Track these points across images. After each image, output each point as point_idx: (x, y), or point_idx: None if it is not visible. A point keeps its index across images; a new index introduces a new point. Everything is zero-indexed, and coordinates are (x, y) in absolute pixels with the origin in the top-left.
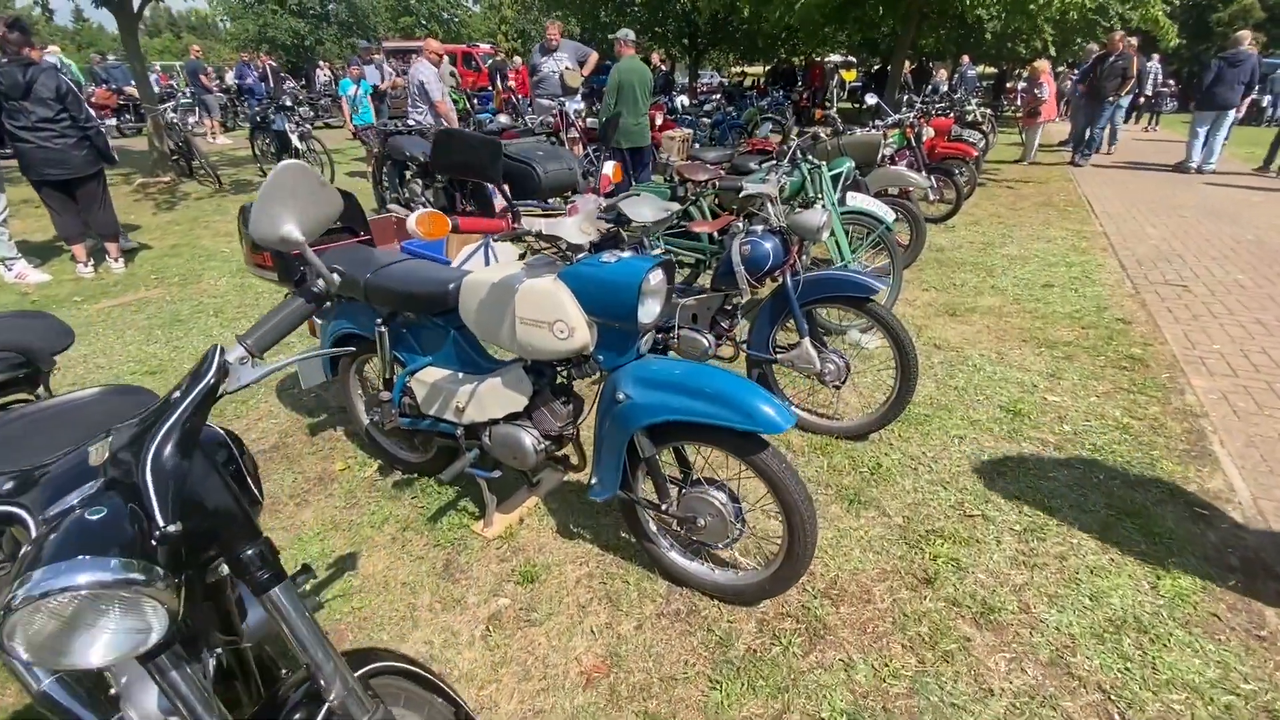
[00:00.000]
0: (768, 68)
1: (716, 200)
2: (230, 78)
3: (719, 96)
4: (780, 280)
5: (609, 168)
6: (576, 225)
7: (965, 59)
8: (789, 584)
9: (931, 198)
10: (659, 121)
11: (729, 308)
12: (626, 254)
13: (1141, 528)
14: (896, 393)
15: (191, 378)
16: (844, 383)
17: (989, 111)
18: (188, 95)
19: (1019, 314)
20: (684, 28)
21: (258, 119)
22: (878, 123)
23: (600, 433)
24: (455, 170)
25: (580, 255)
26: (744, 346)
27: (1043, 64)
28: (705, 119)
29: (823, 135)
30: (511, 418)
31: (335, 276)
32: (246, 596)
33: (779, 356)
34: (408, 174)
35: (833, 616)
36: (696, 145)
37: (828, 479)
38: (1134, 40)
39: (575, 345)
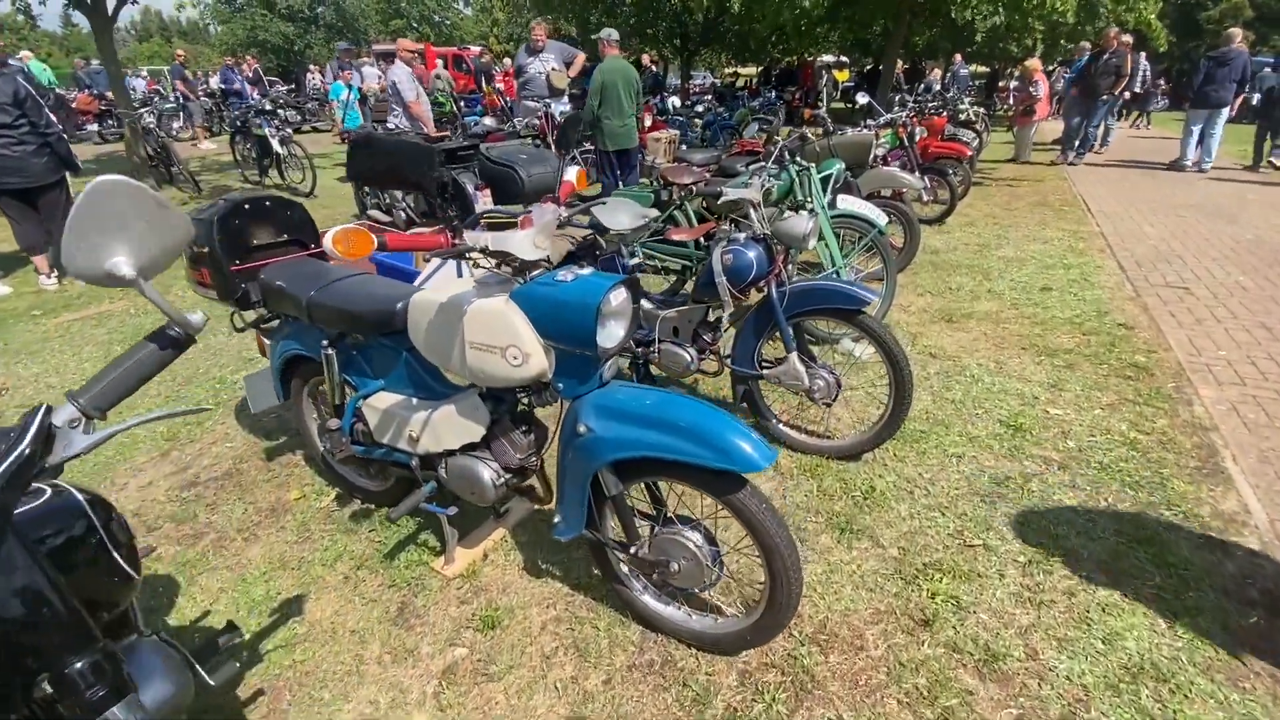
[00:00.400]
0: (760, 68)
1: (704, 205)
2: (215, 82)
3: (710, 97)
4: (765, 291)
5: (571, 173)
6: (529, 239)
7: (958, 58)
8: (772, 635)
9: (925, 199)
10: (648, 123)
11: (712, 320)
12: (586, 271)
13: (1154, 557)
14: (890, 410)
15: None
16: (835, 400)
17: (982, 110)
18: (172, 100)
19: (1017, 319)
20: (675, 28)
21: (238, 123)
22: (869, 123)
23: (563, 467)
24: (377, 180)
25: (535, 272)
26: (728, 361)
27: (1034, 62)
28: (697, 120)
29: (811, 136)
30: (469, 448)
31: (198, 317)
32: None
33: (765, 372)
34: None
35: (821, 667)
36: (683, 147)
37: (818, 504)
38: (1128, 38)
39: (530, 373)
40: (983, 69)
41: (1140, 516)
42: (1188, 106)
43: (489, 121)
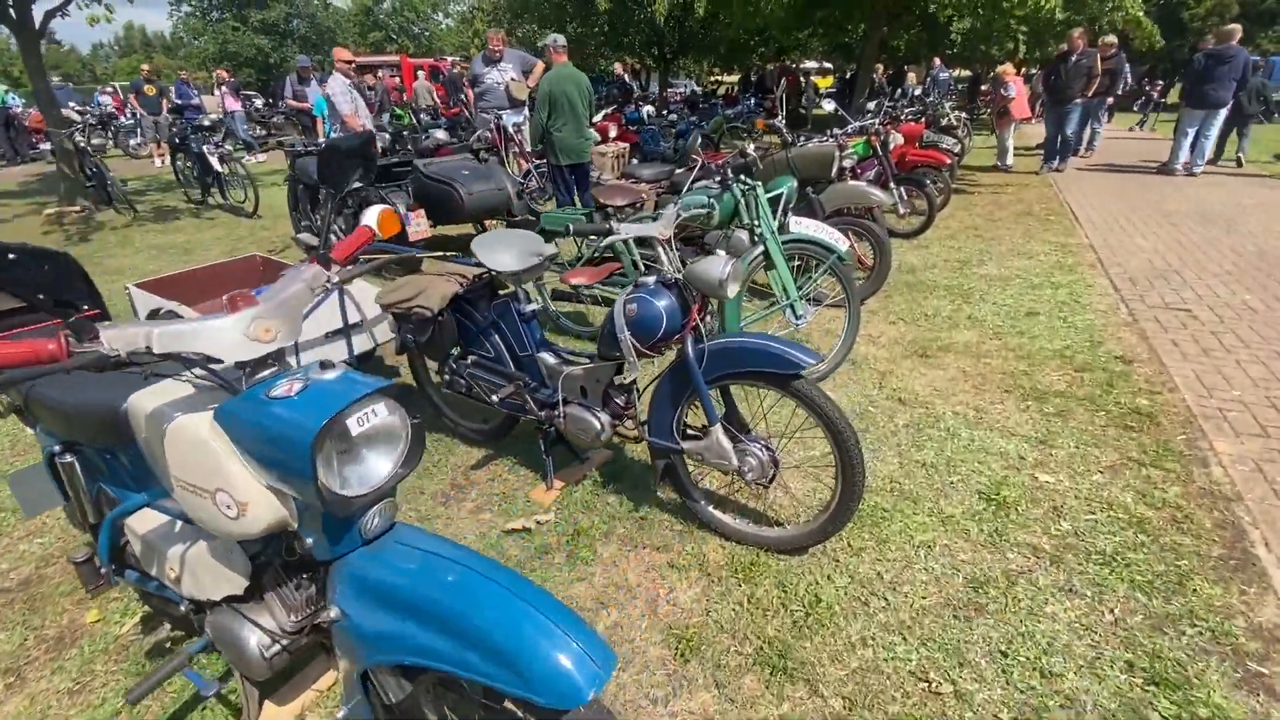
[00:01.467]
0: (739, 75)
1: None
2: (173, 97)
3: (684, 105)
4: (681, 348)
5: (371, 217)
6: (238, 330)
7: (936, 61)
8: None
9: (902, 211)
10: (612, 133)
11: (624, 381)
12: (328, 375)
13: (1180, 704)
14: (837, 499)
15: None
16: (771, 481)
17: (964, 115)
18: (130, 118)
19: (1000, 352)
20: (651, 36)
21: (176, 141)
22: (836, 131)
23: (338, 652)
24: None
25: (263, 373)
26: (645, 430)
27: (1006, 66)
28: (671, 129)
29: (750, 152)
30: (234, 599)
31: None
32: None
33: (685, 445)
34: (321, 198)
35: None
36: (634, 161)
37: (748, 625)
38: (1112, 38)
39: (252, 528)
40: (965, 72)
41: (1156, 639)
42: (1182, 106)
43: (440, 135)
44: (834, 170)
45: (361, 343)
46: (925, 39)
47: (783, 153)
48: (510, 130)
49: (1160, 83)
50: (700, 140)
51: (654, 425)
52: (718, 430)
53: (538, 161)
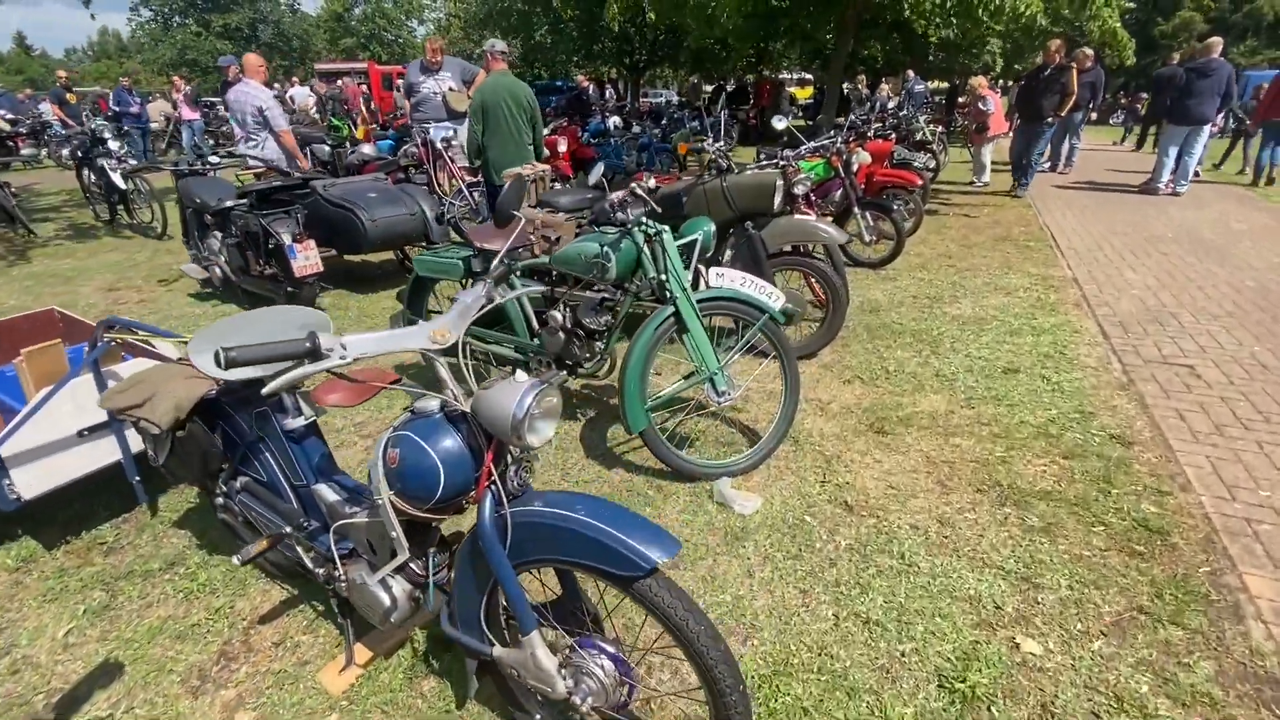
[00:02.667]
0: (710, 85)
1: (541, 275)
2: (111, 104)
3: (647, 116)
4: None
5: None
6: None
7: (910, 73)
8: None
9: (867, 238)
10: (562, 148)
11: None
12: None
13: None
14: None
15: None
16: (624, 708)
17: (939, 129)
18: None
19: (973, 428)
20: (623, 46)
21: (77, 154)
22: (787, 153)
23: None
24: None
25: None
26: (445, 616)
27: (978, 79)
28: (635, 141)
29: (641, 191)
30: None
31: None
32: None
33: (495, 652)
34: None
35: None
36: (556, 185)
37: None
38: (1089, 51)
39: None
40: (942, 84)
41: None
42: (1165, 122)
43: (367, 150)
44: (776, 202)
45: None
46: (901, 48)
47: (716, 182)
48: (439, 145)
49: (1144, 95)
50: (649, 161)
51: (457, 612)
52: (534, 640)
53: (470, 180)
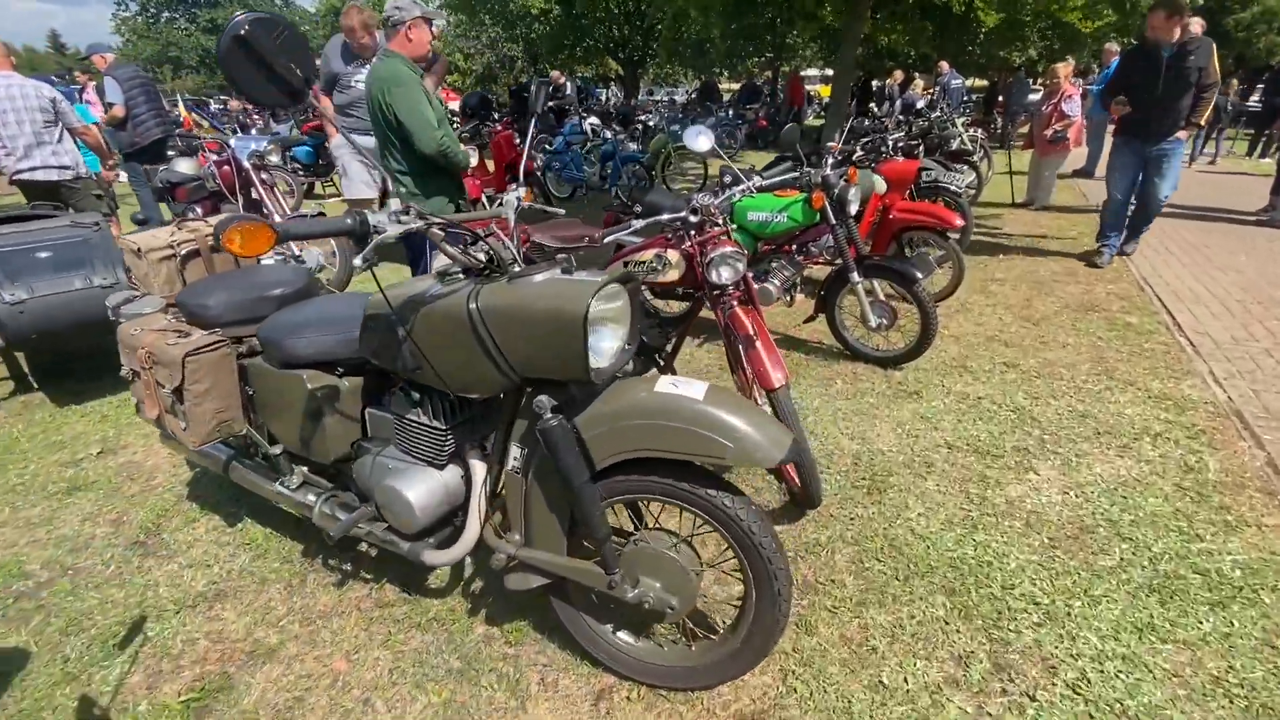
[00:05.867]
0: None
1: None
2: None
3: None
4: None
5: None
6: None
7: (944, 66)
8: None
9: (874, 322)
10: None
11: None
12: None
13: None
14: None
15: None
16: None
17: (980, 134)
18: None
19: None
20: (615, 38)
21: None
22: (696, 199)
23: None
24: None
25: None
26: None
27: (1064, 65)
28: (596, 149)
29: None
30: None
31: None
32: None
33: None
34: None
35: None
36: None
37: None
38: (1199, 20)
39: None
40: (980, 81)
41: None
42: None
43: (183, 166)
44: (600, 360)
45: None
46: (935, 37)
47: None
48: (247, 165)
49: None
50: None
51: None
52: None
53: (307, 211)
